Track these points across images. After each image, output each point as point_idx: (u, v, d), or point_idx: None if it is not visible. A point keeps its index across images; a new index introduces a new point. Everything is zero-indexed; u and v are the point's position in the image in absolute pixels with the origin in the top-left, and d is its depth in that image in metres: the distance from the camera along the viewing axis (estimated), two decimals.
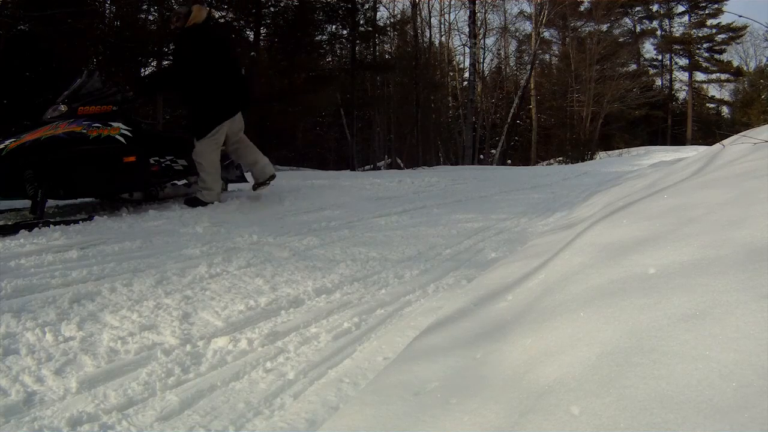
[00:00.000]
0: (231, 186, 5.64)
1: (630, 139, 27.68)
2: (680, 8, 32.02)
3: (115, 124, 4.05)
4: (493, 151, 23.21)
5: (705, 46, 32.30)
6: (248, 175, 6.30)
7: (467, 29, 18.82)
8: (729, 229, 1.49)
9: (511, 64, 30.37)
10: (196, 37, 4.35)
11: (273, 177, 4.81)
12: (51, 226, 3.34)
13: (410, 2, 21.38)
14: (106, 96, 4.20)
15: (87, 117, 3.98)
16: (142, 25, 12.24)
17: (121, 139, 4.03)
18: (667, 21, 32.58)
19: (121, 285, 2.40)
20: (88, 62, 10.21)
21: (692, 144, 24.78)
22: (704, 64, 32.68)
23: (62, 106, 4.02)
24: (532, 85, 25.20)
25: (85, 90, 4.15)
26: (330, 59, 17.40)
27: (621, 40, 29.90)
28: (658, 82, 32.87)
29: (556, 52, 30.27)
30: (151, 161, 4.44)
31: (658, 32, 32.83)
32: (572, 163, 18.66)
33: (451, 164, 21.23)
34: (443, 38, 27.13)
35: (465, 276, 2.73)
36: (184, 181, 4.82)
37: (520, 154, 27.64)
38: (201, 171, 4.42)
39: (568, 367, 1.11)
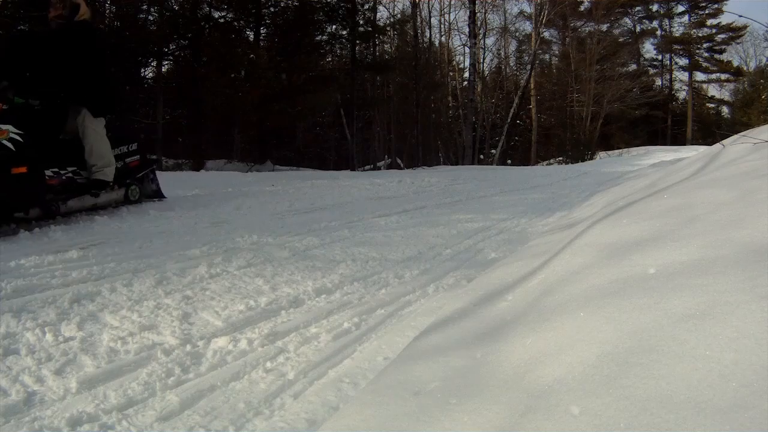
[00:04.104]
0: (230, 186, 5.65)
1: (630, 139, 27.68)
2: (680, 8, 32.09)
3: (3, 127, 3.27)
4: (493, 151, 23.21)
5: (705, 46, 32.32)
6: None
7: (467, 29, 18.82)
8: (729, 229, 1.49)
9: (511, 64, 30.42)
10: (93, 32, 4.17)
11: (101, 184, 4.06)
12: None
13: (410, 2, 21.42)
14: None
15: None
16: (142, 25, 12.26)
17: (9, 145, 3.26)
18: (667, 21, 32.61)
19: (121, 285, 2.40)
20: None
21: (692, 144, 24.82)
22: (704, 64, 32.70)
23: None
24: (532, 85, 25.21)
25: None
26: (330, 59, 17.41)
27: (621, 40, 29.94)
28: (658, 82, 32.93)
29: (556, 52, 30.34)
30: (49, 173, 3.64)
31: (658, 32, 32.87)
32: (572, 163, 18.66)
33: (451, 164, 21.24)
34: (443, 38, 27.18)
35: (465, 276, 2.73)
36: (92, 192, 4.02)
37: (520, 154, 27.62)
38: (97, 144, 3.94)
39: (568, 367, 1.11)
